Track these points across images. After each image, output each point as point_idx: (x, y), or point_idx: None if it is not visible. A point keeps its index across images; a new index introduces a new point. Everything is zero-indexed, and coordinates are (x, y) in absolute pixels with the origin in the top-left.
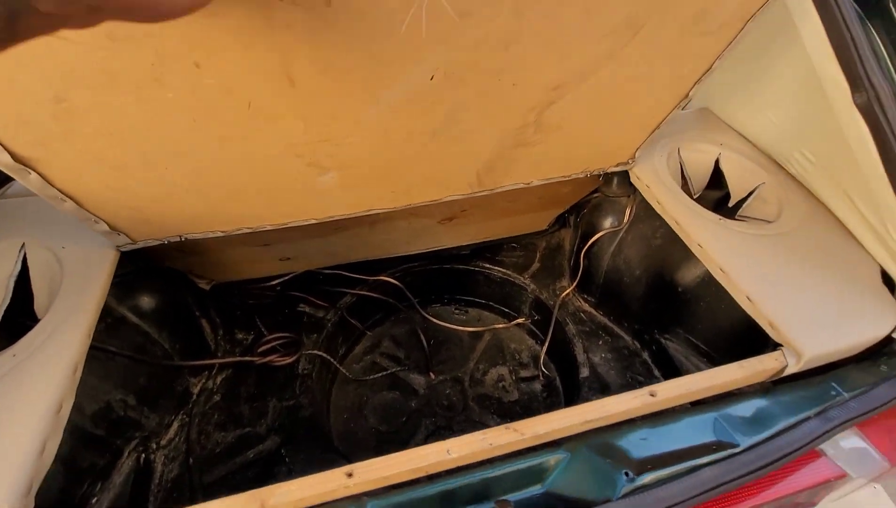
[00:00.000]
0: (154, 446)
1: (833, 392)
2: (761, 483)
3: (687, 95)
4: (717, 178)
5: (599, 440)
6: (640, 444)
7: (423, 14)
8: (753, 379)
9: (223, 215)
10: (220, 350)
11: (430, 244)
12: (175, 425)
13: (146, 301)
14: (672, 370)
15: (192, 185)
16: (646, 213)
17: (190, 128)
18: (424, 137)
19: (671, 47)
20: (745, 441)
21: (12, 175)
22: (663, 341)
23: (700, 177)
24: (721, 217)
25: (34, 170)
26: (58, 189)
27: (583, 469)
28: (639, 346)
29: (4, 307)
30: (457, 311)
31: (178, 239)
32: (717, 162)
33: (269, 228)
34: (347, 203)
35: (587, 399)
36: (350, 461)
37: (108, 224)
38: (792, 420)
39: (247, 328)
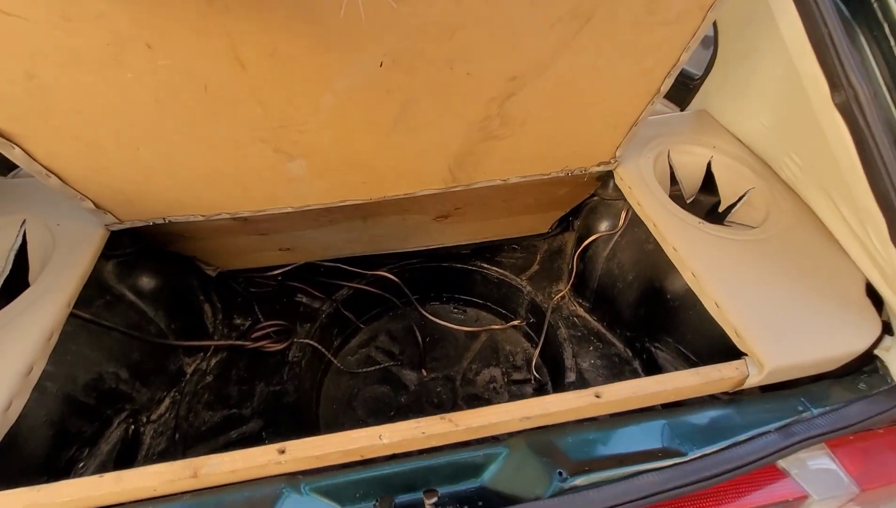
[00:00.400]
0: (144, 419)
1: (800, 408)
2: (711, 497)
3: (658, 91)
4: (708, 181)
5: (542, 439)
6: (582, 445)
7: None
8: (710, 388)
9: (200, 199)
10: (218, 334)
11: (428, 242)
12: (166, 401)
13: (146, 282)
14: None
15: (166, 167)
16: None
17: (155, 109)
18: (385, 126)
19: (628, 38)
20: (695, 451)
21: None
22: (653, 349)
23: (693, 180)
24: (701, 221)
25: (18, 145)
26: (41, 165)
27: (519, 467)
28: (630, 354)
29: (4, 277)
30: (455, 310)
31: (163, 221)
32: (708, 165)
33: (247, 214)
34: (320, 192)
35: None
36: None
37: (94, 202)
38: (749, 434)
39: (245, 314)
